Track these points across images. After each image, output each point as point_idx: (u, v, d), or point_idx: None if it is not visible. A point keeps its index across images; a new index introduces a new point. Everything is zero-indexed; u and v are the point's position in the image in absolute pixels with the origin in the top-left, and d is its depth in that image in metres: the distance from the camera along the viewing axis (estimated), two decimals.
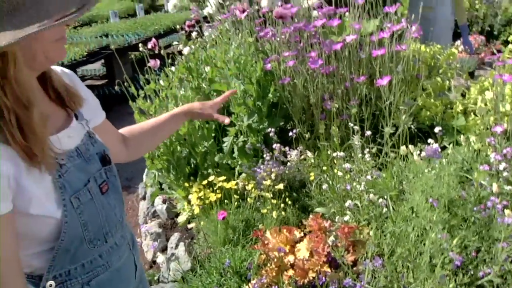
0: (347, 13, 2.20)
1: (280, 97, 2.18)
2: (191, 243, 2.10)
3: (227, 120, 1.32)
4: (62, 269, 0.87)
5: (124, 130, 1.22)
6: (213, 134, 2.22)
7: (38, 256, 0.86)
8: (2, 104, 0.76)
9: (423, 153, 1.54)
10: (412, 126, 2.00)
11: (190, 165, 2.20)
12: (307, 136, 2.15)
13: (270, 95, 2.14)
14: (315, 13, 2.27)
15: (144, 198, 2.92)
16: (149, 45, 2.43)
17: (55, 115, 0.93)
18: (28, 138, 0.78)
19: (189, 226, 2.22)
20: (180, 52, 2.96)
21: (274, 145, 2.00)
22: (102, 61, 7.26)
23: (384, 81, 1.76)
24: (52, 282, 0.87)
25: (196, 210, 1.94)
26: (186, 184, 2.11)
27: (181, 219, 2.29)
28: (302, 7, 2.30)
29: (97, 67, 8.06)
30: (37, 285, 0.87)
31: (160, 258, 2.20)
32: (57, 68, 1.00)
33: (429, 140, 1.74)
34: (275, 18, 1.98)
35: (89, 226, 0.87)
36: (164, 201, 2.49)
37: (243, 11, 2.04)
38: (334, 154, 1.77)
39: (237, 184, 2.02)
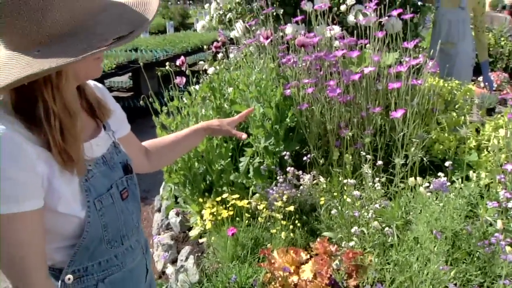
0: (368, 45, 2.27)
1: (298, 122, 2.25)
2: (200, 256, 2.16)
3: (244, 136, 1.40)
4: (81, 265, 0.95)
5: (146, 143, 1.32)
6: (230, 153, 2.29)
7: (60, 250, 0.93)
8: (51, 111, 0.85)
9: (431, 186, 1.58)
10: (425, 159, 2.04)
11: (205, 181, 2.27)
12: (321, 161, 2.21)
13: (287, 120, 2.22)
14: (336, 43, 2.36)
15: (159, 210, 3.00)
16: (178, 62, 2.54)
17: (87, 124, 1.02)
18: (68, 143, 0.86)
19: (201, 240, 2.28)
20: (205, 71, 3.08)
21: (288, 168, 2.07)
22: (130, 74, 7.48)
23: (398, 114, 1.81)
24: (70, 276, 0.94)
25: (208, 225, 2.00)
26: (200, 200, 2.18)
27: (193, 233, 2.35)
28: (324, 37, 2.39)
29: (124, 79, 8.29)
30: (57, 278, 0.94)
31: (170, 269, 2.26)
32: (90, 82, 1.10)
33: (440, 174, 1.78)
34: (297, 46, 2.06)
35: (108, 228, 0.95)
36: (177, 214, 2.56)
37: (267, 37, 2.13)
38: (345, 181, 1.82)
39: (249, 203, 2.09)
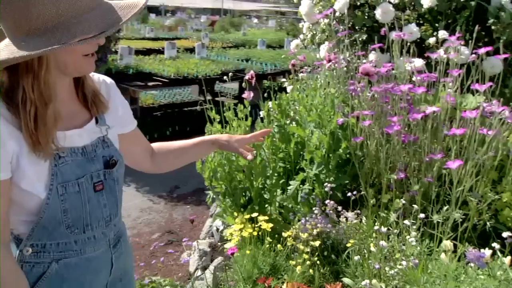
0: (449, 83, 2.04)
1: (353, 155, 2.10)
2: (228, 270, 2.12)
3: (249, 157, 1.34)
4: (40, 241, 1.00)
5: (155, 145, 1.34)
6: (276, 174, 2.23)
7: (23, 223, 1.00)
8: (27, 97, 0.92)
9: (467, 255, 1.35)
10: (488, 223, 1.76)
11: (245, 196, 2.23)
12: (371, 201, 2.03)
13: (341, 151, 2.08)
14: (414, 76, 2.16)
15: (212, 215, 3.03)
16: (247, 76, 2.56)
17: (78, 114, 1.07)
18: (39, 129, 0.93)
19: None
20: (284, 89, 3.06)
21: (328, 201, 1.94)
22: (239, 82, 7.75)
23: (454, 165, 1.59)
24: (29, 249, 1.00)
25: (234, 241, 1.96)
26: (236, 214, 2.15)
27: (228, 245, 2.32)
28: (404, 69, 2.21)
29: (234, 86, 8.63)
30: (19, 247, 1.01)
31: (196, 275, 2.26)
32: (96, 76, 1.15)
33: (494, 244, 1.51)
34: (360, 74, 1.93)
35: (68, 213, 0.99)
36: (223, 223, 2.56)
37: (329, 60, 2.03)
38: (376, 227, 1.64)
39: (293, 230, 2.00)
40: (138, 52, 8.60)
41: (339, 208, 1.97)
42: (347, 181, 2.13)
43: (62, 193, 0.97)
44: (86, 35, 0.87)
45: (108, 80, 1.19)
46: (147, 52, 8.92)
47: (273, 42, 11.82)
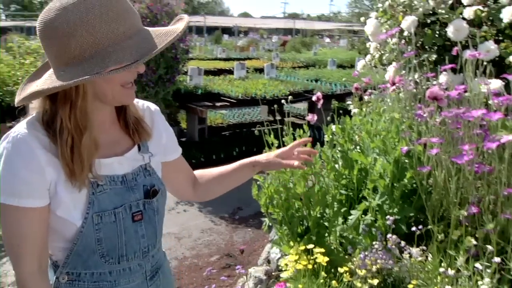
0: None
1: (419, 185, 1.94)
2: None
3: (296, 163, 1.29)
4: (75, 270, 1.00)
5: (197, 172, 1.31)
6: (336, 203, 2.11)
7: (60, 250, 1.01)
8: (64, 126, 0.92)
9: None
10: None
11: (302, 225, 2.13)
12: (439, 237, 1.84)
13: (405, 180, 1.93)
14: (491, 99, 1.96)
15: (271, 241, 2.95)
16: (314, 98, 2.48)
17: (120, 141, 1.07)
18: (74, 159, 0.93)
19: (288, 284, 2.14)
20: (348, 111, 2.94)
21: (389, 235, 1.78)
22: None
23: None
24: (65, 276, 1.01)
25: (289, 273, 1.86)
26: (292, 243, 2.05)
27: (284, 275, 2.23)
28: (478, 91, 2.01)
29: (303, 107, 8.56)
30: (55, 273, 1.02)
31: None
32: (141, 102, 1.14)
33: None
34: (427, 98, 1.78)
35: (103, 243, 0.98)
36: (280, 251, 2.47)
37: (393, 83, 1.89)
38: (441, 270, 1.47)
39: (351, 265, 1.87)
40: (208, 72, 8.87)
41: (403, 243, 1.81)
42: (412, 214, 1.96)
43: (97, 223, 0.96)
44: (119, 65, 0.87)
45: (153, 107, 1.18)
46: (218, 72, 9.17)
47: (344, 61, 11.63)
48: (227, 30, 34.35)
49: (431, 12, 2.44)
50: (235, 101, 6.14)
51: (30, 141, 0.91)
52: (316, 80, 7.64)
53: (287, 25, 33.60)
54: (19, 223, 0.93)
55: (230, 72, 8.77)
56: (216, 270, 3.09)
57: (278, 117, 2.38)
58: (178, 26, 0.95)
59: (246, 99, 6.12)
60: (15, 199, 0.91)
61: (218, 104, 6.19)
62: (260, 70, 8.84)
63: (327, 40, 27.89)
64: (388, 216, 1.84)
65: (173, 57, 5.34)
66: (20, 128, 0.93)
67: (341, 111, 2.35)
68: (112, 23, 0.88)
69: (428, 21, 2.44)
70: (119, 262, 1.01)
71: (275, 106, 6.54)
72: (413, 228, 1.79)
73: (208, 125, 6.73)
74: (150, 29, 0.95)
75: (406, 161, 2.01)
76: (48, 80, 0.92)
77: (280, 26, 36.67)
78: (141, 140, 1.08)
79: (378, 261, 1.72)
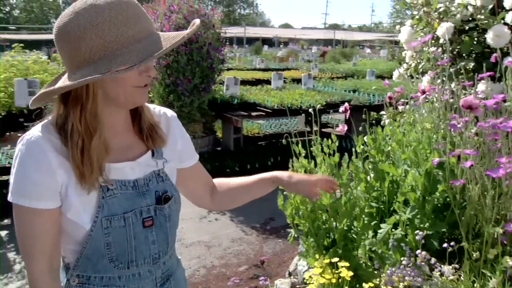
0: None
1: (452, 199, 1.83)
2: None
3: (313, 197, 1.22)
4: (85, 273, 1.01)
5: (216, 181, 1.29)
6: (364, 216, 2.04)
7: (71, 252, 1.02)
8: (75, 128, 0.93)
9: None
10: None
11: (329, 237, 2.07)
12: (473, 255, 1.73)
13: (437, 194, 1.83)
14: None
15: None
16: (341, 109, 2.43)
17: (134, 146, 1.07)
18: (84, 161, 0.93)
19: None
20: (379, 122, 2.85)
21: (418, 252, 1.69)
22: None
23: None
24: (75, 279, 1.02)
25: (312, 286, 1.81)
26: (317, 256, 1.99)
27: None
28: None
29: (341, 117, 8.43)
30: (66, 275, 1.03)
31: None
32: (157, 108, 1.14)
33: None
34: (461, 107, 1.68)
35: (112, 247, 0.98)
36: (307, 264, 2.41)
37: (423, 92, 1.80)
38: None
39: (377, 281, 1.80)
40: (246, 82, 8.91)
41: (433, 260, 1.71)
42: (444, 229, 1.86)
43: (106, 227, 0.96)
44: (123, 66, 0.87)
45: (170, 113, 1.18)
46: (256, 82, 9.19)
47: (384, 72, 11.39)
48: (267, 41, 34.57)
49: (469, 18, 2.33)
50: (270, 111, 6.12)
51: (43, 144, 0.93)
52: (354, 91, 7.50)
53: (327, 36, 33.43)
54: (30, 223, 0.95)
55: (268, 82, 8.76)
56: (244, 280, 3.05)
57: (315, 128, 2.34)
58: (187, 31, 0.94)
59: (282, 109, 6.09)
60: (26, 200, 0.93)
61: (253, 113, 6.19)
62: (298, 81, 8.79)
63: (368, 50, 27.50)
64: (418, 231, 1.75)
65: (209, 67, 5.39)
66: (34, 131, 0.95)
67: (373, 122, 2.28)
68: (121, 27, 0.88)
69: (466, 27, 2.34)
70: (128, 267, 1.01)
71: (312, 116, 6.46)
72: (445, 245, 1.70)
73: (244, 135, 6.73)
74: (161, 33, 0.95)
75: (439, 173, 1.91)
76: (60, 83, 0.93)
77: (320, 37, 36.51)
78: (155, 146, 1.08)
79: (406, 278, 1.64)
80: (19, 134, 1.05)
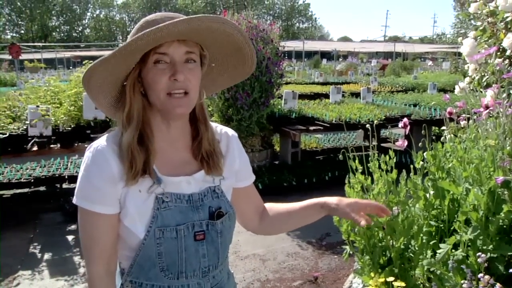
0: None
1: None
2: None
3: (362, 223, 1.18)
4: (137, 279, 1.06)
5: (267, 205, 1.31)
6: (425, 233, 1.97)
7: (126, 258, 1.08)
8: (145, 136, 1.02)
9: None
10: None
11: (385, 255, 2.02)
12: None
13: (502, 214, 1.74)
14: None
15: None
16: (400, 125, 2.39)
17: (192, 162, 1.12)
18: (134, 156, 1.02)
19: None
20: (439, 137, 2.75)
21: (480, 276, 1.61)
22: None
23: None
24: (129, 284, 1.07)
25: None
26: (372, 274, 1.95)
27: None
28: None
29: (401, 132, 8.17)
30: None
31: None
32: (219, 127, 1.19)
33: None
34: None
35: (163, 257, 1.02)
36: (362, 281, 2.36)
37: (487, 107, 1.73)
38: None
39: None
40: (305, 96, 8.90)
41: (498, 285, 1.62)
42: (510, 253, 1.76)
43: (159, 237, 1.01)
44: (129, 47, 0.94)
45: (230, 132, 1.21)
46: (314, 96, 9.16)
47: (447, 85, 10.93)
48: (326, 55, 34.37)
49: None
50: (328, 125, 6.07)
51: (107, 153, 1.01)
52: (415, 105, 7.26)
53: (387, 48, 32.68)
54: (91, 226, 1.02)
55: (326, 96, 8.71)
56: None
57: (373, 143, 2.32)
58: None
59: (340, 123, 6.03)
60: (88, 203, 1.01)
61: (311, 128, 6.17)
62: (357, 95, 8.66)
63: (429, 63, 26.51)
64: (480, 253, 1.67)
65: (268, 81, 5.47)
66: (101, 140, 1.04)
67: (434, 137, 2.21)
68: (143, 29, 0.96)
69: None
70: (178, 278, 1.05)
71: (370, 131, 6.33)
72: None
73: (302, 149, 6.72)
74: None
75: (505, 192, 1.82)
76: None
77: (380, 50, 35.75)
78: (208, 173, 1.11)
79: None
80: (86, 145, 1.15)
